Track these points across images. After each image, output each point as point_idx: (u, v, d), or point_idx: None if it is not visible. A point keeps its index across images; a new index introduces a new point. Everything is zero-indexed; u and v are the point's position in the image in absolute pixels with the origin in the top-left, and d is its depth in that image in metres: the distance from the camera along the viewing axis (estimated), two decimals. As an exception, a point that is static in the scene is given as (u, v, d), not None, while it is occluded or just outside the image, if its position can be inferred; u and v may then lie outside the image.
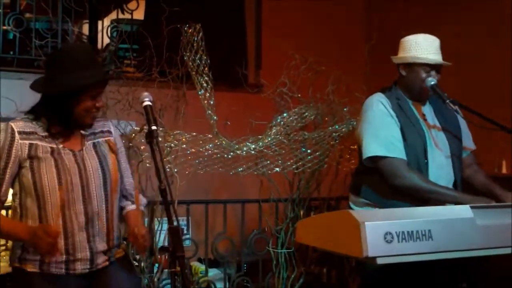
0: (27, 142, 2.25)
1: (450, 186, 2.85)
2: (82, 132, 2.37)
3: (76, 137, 2.35)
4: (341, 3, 6.19)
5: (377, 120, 2.79)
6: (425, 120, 2.88)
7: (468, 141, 3.02)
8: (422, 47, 2.80)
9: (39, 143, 2.26)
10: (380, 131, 2.76)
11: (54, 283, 2.27)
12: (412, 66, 2.83)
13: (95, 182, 2.30)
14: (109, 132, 2.46)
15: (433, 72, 2.81)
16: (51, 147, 2.27)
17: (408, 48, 2.83)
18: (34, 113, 2.31)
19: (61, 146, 2.29)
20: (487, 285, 3.39)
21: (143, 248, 2.38)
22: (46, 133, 2.29)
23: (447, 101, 2.78)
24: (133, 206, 2.49)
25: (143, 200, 2.60)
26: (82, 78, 2.21)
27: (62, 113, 2.28)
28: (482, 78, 4.79)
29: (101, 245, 2.32)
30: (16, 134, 2.25)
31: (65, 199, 2.23)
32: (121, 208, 2.49)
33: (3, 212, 2.37)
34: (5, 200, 2.30)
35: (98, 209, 2.30)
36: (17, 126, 2.27)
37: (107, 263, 2.36)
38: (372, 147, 2.76)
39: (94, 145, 2.38)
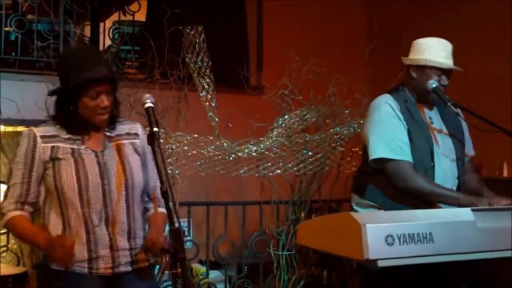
0: (49, 145, 2.31)
1: (455, 189, 2.84)
2: (106, 133, 2.39)
3: (99, 138, 2.37)
4: (342, 6, 6.19)
5: (384, 122, 2.79)
6: (431, 123, 2.88)
7: (469, 148, 3.03)
8: (435, 50, 2.80)
9: (61, 145, 2.31)
10: (387, 133, 2.76)
11: (77, 282, 2.29)
12: (423, 69, 2.82)
13: (115, 182, 2.31)
14: (136, 134, 2.46)
15: (443, 77, 2.81)
16: (71, 148, 2.31)
17: (421, 50, 2.83)
18: (56, 117, 2.36)
19: (83, 147, 2.33)
20: (488, 288, 3.39)
21: (159, 254, 2.38)
22: (68, 135, 2.33)
23: (449, 104, 2.78)
24: (159, 210, 2.45)
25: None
26: (81, 76, 2.24)
27: (68, 114, 2.30)
28: (483, 80, 4.78)
29: (122, 244, 2.32)
30: (38, 139, 2.31)
31: (84, 198, 2.27)
32: (146, 210, 2.49)
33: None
34: (35, 202, 2.34)
35: (119, 209, 2.31)
36: (38, 131, 2.33)
37: (129, 268, 2.34)
38: (378, 149, 2.75)
39: (118, 146, 2.39)
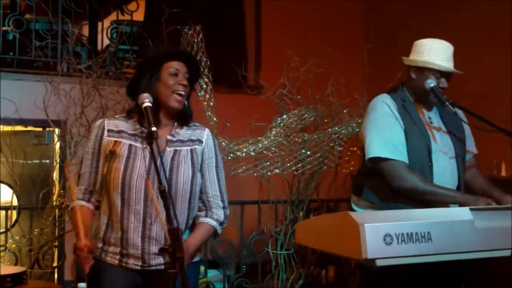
0: (113, 139, 2.37)
1: (454, 188, 2.85)
2: (169, 137, 2.39)
3: (162, 141, 2.38)
4: (340, 6, 6.20)
5: (381, 122, 2.79)
6: (430, 123, 2.88)
7: (471, 145, 3.03)
8: (435, 52, 2.79)
9: (123, 140, 2.36)
10: (384, 133, 2.76)
11: (108, 272, 2.35)
12: (423, 70, 2.82)
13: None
14: (200, 141, 2.44)
15: (442, 79, 2.81)
16: (130, 145, 2.35)
17: (421, 52, 2.82)
18: (127, 113, 2.43)
19: (143, 146, 2.35)
20: (486, 287, 3.39)
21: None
22: (135, 132, 2.37)
23: (446, 103, 2.79)
24: (205, 219, 2.45)
25: (216, 215, 2.48)
26: (163, 49, 2.41)
27: (149, 91, 2.32)
28: (481, 80, 4.79)
29: (156, 248, 2.32)
30: (106, 132, 2.39)
31: (125, 197, 2.31)
32: (197, 217, 2.47)
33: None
34: (99, 191, 2.42)
35: (158, 213, 2.29)
36: (108, 124, 2.41)
37: (162, 266, 2.33)
38: (374, 148, 2.76)
39: (175, 152, 2.39)
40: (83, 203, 2.41)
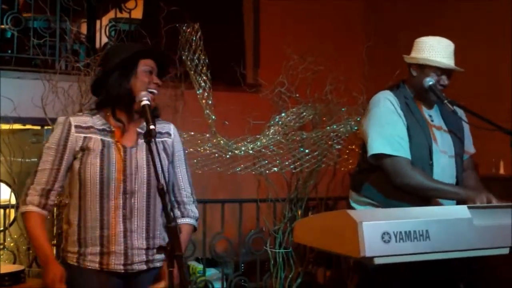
0: (82, 135, 2.33)
1: None
2: (139, 130, 2.39)
3: (132, 134, 2.38)
4: (339, 4, 6.20)
5: (384, 118, 2.78)
6: (431, 121, 2.88)
7: (469, 145, 3.03)
8: (436, 50, 2.78)
9: (93, 136, 2.33)
10: (386, 129, 2.76)
11: (88, 278, 2.30)
12: (424, 68, 2.81)
13: (139, 179, 2.31)
14: (168, 134, 2.47)
15: (443, 77, 2.81)
16: (102, 140, 2.33)
17: (422, 49, 2.82)
18: (96, 107, 2.40)
19: (114, 140, 2.34)
20: (484, 285, 3.40)
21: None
22: (103, 127, 2.35)
23: (445, 101, 2.79)
24: (182, 220, 2.45)
25: (193, 213, 2.50)
26: (138, 48, 2.41)
27: (121, 91, 2.32)
28: (481, 79, 4.79)
29: (138, 242, 2.31)
30: (73, 128, 2.34)
31: (104, 193, 2.28)
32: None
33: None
34: (60, 192, 2.39)
35: (139, 206, 2.31)
36: (74, 120, 2.36)
37: (144, 266, 2.33)
38: (377, 144, 2.75)
39: (148, 144, 2.35)
40: (36, 209, 2.31)
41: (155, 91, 2.38)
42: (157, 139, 2.37)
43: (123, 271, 2.31)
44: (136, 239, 2.31)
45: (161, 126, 2.46)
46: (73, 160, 2.34)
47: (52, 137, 2.36)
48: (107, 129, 2.36)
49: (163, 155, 2.40)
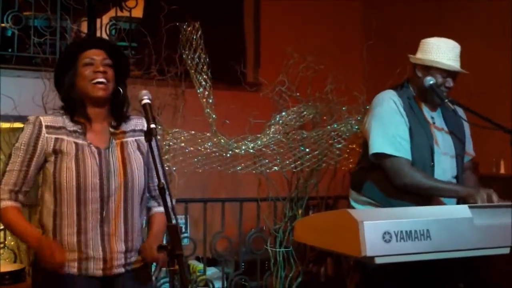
0: (53, 136, 2.25)
1: None
2: (111, 130, 2.34)
3: (104, 134, 2.32)
4: (340, 3, 6.19)
5: (386, 117, 2.78)
6: (433, 123, 2.87)
7: (469, 148, 3.03)
8: (442, 51, 2.78)
9: (66, 138, 2.26)
10: (389, 129, 2.76)
11: (67, 283, 2.23)
12: (429, 69, 2.81)
13: (115, 182, 2.26)
14: (142, 131, 2.38)
15: (448, 79, 2.80)
16: (76, 143, 2.26)
17: (428, 50, 2.81)
18: (63, 107, 2.33)
19: (87, 142, 2.27)
20: (485, 285, 3.39)
21: (153, 260, 2.33)
22: (74, 128, 2.28)
23: (446, 100, 2.78)
24: (159, 209, 2.42)
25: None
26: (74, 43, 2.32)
27: (69, 88, 2.27)
28: (481, 78, 4.78)
29: (117, 245, 2.27)
30: (43, 128, 2.26)
31: (81, 197, 2.22)
32: (149, 209, 2.45)
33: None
34: (28, 191, 2.31)
35: (116, 209, 2.26)
36: (45, 120, 2.27)
37: (122, 269, 2.30)
38: (379, 144, 2.75)
39: (122, 144, 2.33)
40: (10, 203, 2.26)
41: (101, 80, 2.25)
42: (131, 138, 2.36)
43: (101, 275, 2.26)
44: (114, 242, 2.26)
45: (134, 123, 2.40)
46: (44, 162, 2.26)
47: (22, 137, 2.27)
48: (79, 130, 2.28)
49: (138, 154, 2.35)
